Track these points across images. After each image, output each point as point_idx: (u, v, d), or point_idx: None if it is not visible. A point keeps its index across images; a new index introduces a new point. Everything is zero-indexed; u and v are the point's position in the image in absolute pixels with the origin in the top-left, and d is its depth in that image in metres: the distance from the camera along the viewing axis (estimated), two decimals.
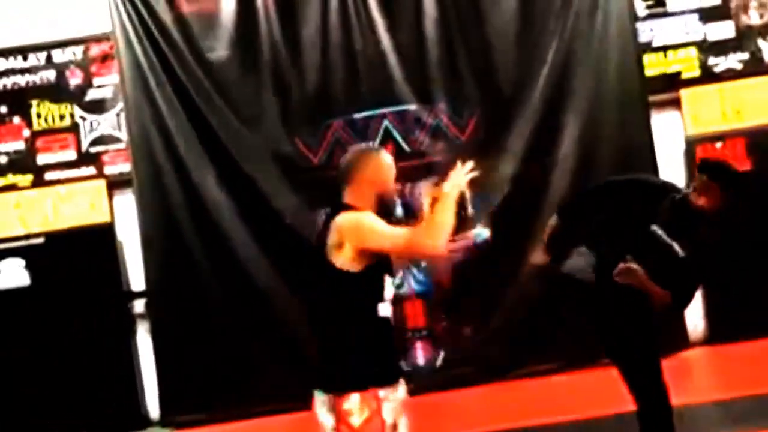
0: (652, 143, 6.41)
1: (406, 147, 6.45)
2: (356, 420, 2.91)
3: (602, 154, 6.34)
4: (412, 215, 6.27)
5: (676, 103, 6.53)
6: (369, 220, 3.01)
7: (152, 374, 6.56)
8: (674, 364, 5.83)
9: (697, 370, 6.20)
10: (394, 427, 3.03)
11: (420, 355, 6.44)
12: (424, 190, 3.43)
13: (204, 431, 6.26)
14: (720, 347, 6.27)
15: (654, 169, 6.26)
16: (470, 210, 6.57)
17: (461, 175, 3.13)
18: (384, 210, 3.13)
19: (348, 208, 3.07)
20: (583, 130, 6.36)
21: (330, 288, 3.02)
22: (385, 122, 6.47)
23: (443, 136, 6.44)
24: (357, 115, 6.48)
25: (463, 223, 6.28)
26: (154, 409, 6.61)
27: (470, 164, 3.15)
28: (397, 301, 6.35)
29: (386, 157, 3.20)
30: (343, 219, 3.01)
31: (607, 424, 4.97)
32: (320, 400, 3.03)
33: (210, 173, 6.47)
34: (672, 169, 6.36)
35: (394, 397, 3.02)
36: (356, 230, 2.98)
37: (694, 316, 6.37)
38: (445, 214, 3.00)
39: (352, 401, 2.93)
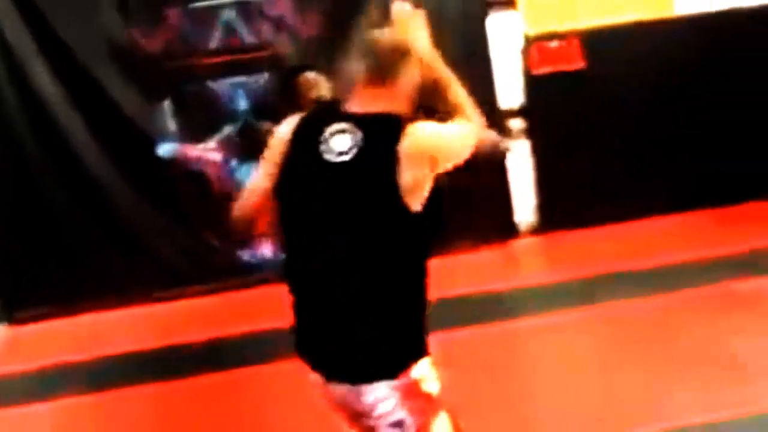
0: (487, 42, 6.55)
1: (248, 38, 6.35)
2: (432, 386, 2.31)
3: (441, 52, 6.43)
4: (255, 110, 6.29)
5: (512, 3, 6.66)
6: (442, 128, 2.33)
7: None
8: (504, 253, 6.24)
9: (524, 257, 6.54)
10: None
11: (266, 248, 6.52)
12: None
13: (42, 326, 6.14)
14: (547, 236, 6.62)
15: (489, 66, 6.48)
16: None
17: (410, 18, 2.49)
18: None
19: (399, 123, 2.26)
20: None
21: (392, 239, 2.24)
22: (226, 12, 6.33)
23: (287, 28, 6.36)
24: (196, 5, 6.28)
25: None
26: None
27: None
28: None
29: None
30: (420, 136, 2.24)
31: None
32: (373, 390, 2.27)
33: (42, 63, 6.13)
34: (509, 67, 6.59)
35: None
36: (438, 146, 2.28)
37: (525, 207, 6.72)
38: (456, 87, 2.46)
39: (422, 367, 2.30)
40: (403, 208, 2.20)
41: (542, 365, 4.48)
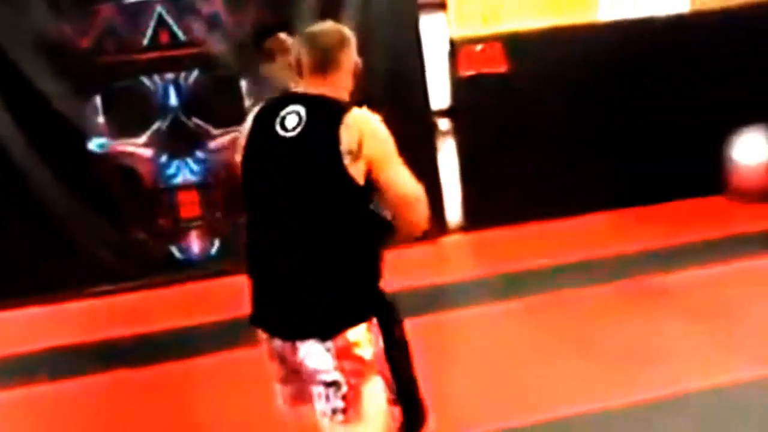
0: (421, 44, 6.71)
1: (180, 35, 6.37)
2: (365, 352, 2.45)
3: (374, 53, 6.57)
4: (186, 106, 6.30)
5: (442, 6, 6.82)
6: (390, 141, 2.49)
7: None
8: (434, 249, 6.39)
9: (454, 253, 6.70)
10: None
11: (195, 244, 6.53)
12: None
13: None
14: (475, 233, 6.81)
15: (422, 68, 6.65)
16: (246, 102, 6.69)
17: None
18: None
19: (341, 105, 2.48)
20: (357, 28, 6.53)
21: (335, 199, 2.42)
22: (159, 8, 6.33)
23: (220, 25, 6.41)
24: (129, 0, 6.29)
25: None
26: None
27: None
28: (172, 189, 6.45)
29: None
30: (368, 124, 2.45)
31: None
32: (308, 348, 2.43)
33: None
34: (437, 69, 6.76)
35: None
36: (380, 145, 2.46)
37: (453, 205, 6.89)
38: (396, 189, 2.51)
39: (358, 332, 2.44)
40: (344, 178, 2.40)
41: (470, 353, 4.64)
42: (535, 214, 6.73)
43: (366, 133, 2.43)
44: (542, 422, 3.68)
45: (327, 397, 2.44)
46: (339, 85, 2.58)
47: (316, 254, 2.42)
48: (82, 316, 5.96)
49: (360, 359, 2.44)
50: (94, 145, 6.30)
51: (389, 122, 2.55)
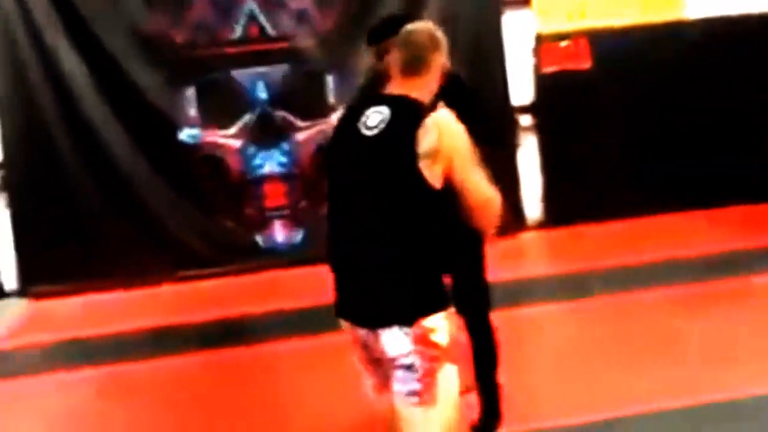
0: (502, 39, 6.74)
1: (270, 30, 6.56)
2: (442, 338, 2.56)
3: (457, 48, 6.63)
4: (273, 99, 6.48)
5: (526, 2, 6.86)
6: (469, 147, 2.56)
7: (10, 247, 6.57)
8: (513, 244, 6.43)
9: (532, 250, 6.75)
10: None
11: (279, 233, 6.72)
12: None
13: (61, 301, 6.34)
14: (554, 230, 6.83)
15: (504, 64, 6.71)
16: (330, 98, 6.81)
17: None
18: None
19: (426, 110, 2.57)
20: (440, 23, 6.60)
21: (407, 202, 2.53)
22: (249, 3, 6.52)
23: (308, 21, 6.57)
24: None
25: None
26: (11, 281, 6.64)
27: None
28: (259, 180, 6.64)
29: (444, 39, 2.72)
30: (449, 129, 2.53)
31: None
32: (390, 335, 2.55)
33: (70, 49, 6.36)
34: (521, 64, 6.80)
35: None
36: (459, 152, 2.53)
37: (533, 201, 6.93)
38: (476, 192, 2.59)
39: (435, 320, 2.56)
40: (419, 179, 2.50)
41: (540, 349, 4.71)
42: (615, 212, 6.70)
43: (445, 136, 2.50)
44: (611, 418, 3.71)
45: (404, 380, 2.55)
46: (425, 87, 2.63)
47: (393, 249, 2.55)
48: (173, 299, 6.21)
49: (436, 345, 2.54)
50: (185, 135, 6.53)
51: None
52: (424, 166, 2.49)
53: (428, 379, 2.54)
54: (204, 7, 6.48)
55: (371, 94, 2.76)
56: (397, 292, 2.56)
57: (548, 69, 6.81)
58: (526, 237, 6.76)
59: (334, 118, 6.47)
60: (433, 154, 2.49)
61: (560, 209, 6.87)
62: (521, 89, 6.86)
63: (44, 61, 6.37)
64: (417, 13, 6.51)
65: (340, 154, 2.69)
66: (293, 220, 6.70)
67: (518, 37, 6.82)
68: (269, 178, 6.66)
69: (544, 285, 5.72)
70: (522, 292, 5.51)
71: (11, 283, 6.63)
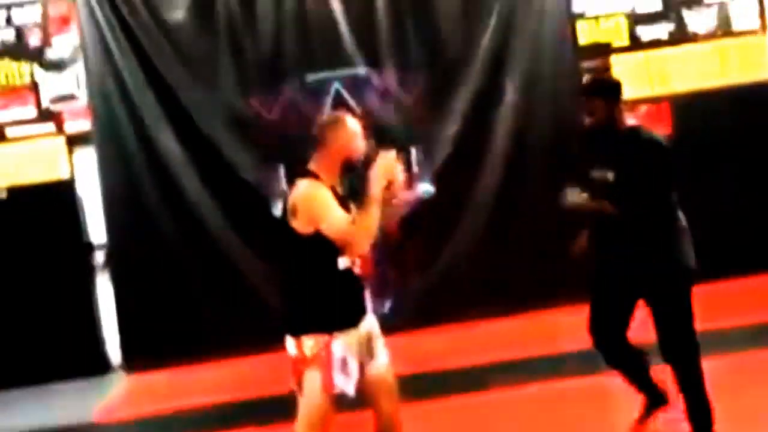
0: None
1: (356, 108, 6.81)
2: (307, 350, 3.38)
3: (537, 117, 6.82)
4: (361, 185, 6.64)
5: (607, 70, 6.91)
6: (320, 202, 3.31)
7: (114, 323, 6.87)
8: None
9: None
10: (344, 361, 3.40)
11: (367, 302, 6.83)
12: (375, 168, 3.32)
13: (162, 375, 6.57)
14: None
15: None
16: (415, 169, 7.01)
17: (386, 164, 3.34)
18: (348, 170, 3.46)
19: (310, 175, 3.38)
20: (521, 94, 6.82)
21: (290, 246, 3.36)
22: (336, 85, 6.81)
23: (392, 98, 6.81)
24: (309, 78, 6.79)
25: (409, 180, 6.71)
26: (115, 356, 6.94)
27: (392, 152, 3.38)
28: None
29: (352, 124, 3.45)
30: (300, 192, 3.33)
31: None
32: (288, 342, 3.45)
33: (168, 131, 6.74)
34: None
35: (348, 336, 3.40)
36: (308, 209, 3.31)
37: None
38: (371, 219, 3.29)
39: (307, 340, 3.38)
40: (288, 228, 3.34)
41: None
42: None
43: (296, 196, 3.33)
44: None
45: None
46: (325, 163, 3.42)
47: (287, 281, 3.47)
48: (271, 369, 6.32)
49: (303, 353, 3.39)
50: (278, 210, 6.76)
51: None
52: (289, 218, 3.32)
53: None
54: (294, 91, 6.79)
55: None
56: (289, 312, 3.47)
57: None
58: None
59: (420, 188, 6.72)
60: (292, 210, 3.32)
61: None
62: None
63: (147, 149, 6.78)
64: (499, 79, 6.74)
65: None
66: (379, 289, 6.80)
67: None
68: None
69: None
70: None
71: (116, 358, 6.93)
